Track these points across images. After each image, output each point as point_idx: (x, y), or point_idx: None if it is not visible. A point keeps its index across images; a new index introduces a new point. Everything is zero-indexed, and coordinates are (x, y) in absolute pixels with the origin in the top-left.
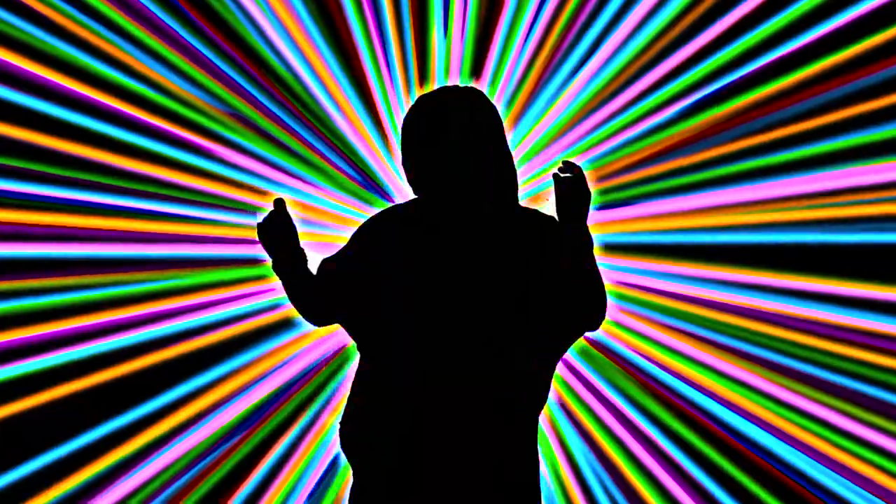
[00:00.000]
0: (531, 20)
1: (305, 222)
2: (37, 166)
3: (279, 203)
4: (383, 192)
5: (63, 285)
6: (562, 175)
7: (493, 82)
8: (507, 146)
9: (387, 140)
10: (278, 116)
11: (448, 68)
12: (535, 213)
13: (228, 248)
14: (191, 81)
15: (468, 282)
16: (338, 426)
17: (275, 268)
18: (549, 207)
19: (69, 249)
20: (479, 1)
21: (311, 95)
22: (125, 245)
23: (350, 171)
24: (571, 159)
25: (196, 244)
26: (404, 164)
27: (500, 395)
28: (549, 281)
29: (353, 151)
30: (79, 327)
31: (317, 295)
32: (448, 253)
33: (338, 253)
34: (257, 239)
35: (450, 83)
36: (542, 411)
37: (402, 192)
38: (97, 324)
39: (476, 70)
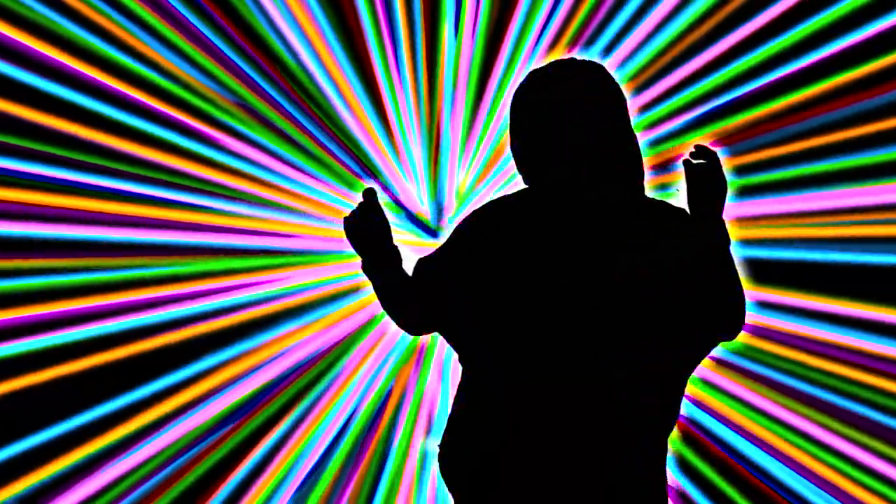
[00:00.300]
0: (545, 19)
1: (309, 216)
2: (43, 146)
3: (370, 193)
4: (383, 186)
5: (52, 267)
6: (693, 161)
7: (503, 79)
8: (632, 127)
9: (391, 136)
10: (283, 107)
11: (457, 66)
12: (665, 206)
13: (226, 237)
14: (201, 70)
15: (591, 286)
16: (436, 450)
17: (365, 269)
18: (679, 199)
19: (64, 231)
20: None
21: (317, 87)
22: (124, 229)
23: (353, 165)
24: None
25: (195, 232)
26: (514, 147)
27: (628, 417)
28: (681, 285)
29: (357, 146)
30: (70, 310)
31: (415, 301)
32: (566, 252)
33: (438, 251)
34: (344, 236)
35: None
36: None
37: (404, 187)
38: (86, 308)
39: (486, 68)
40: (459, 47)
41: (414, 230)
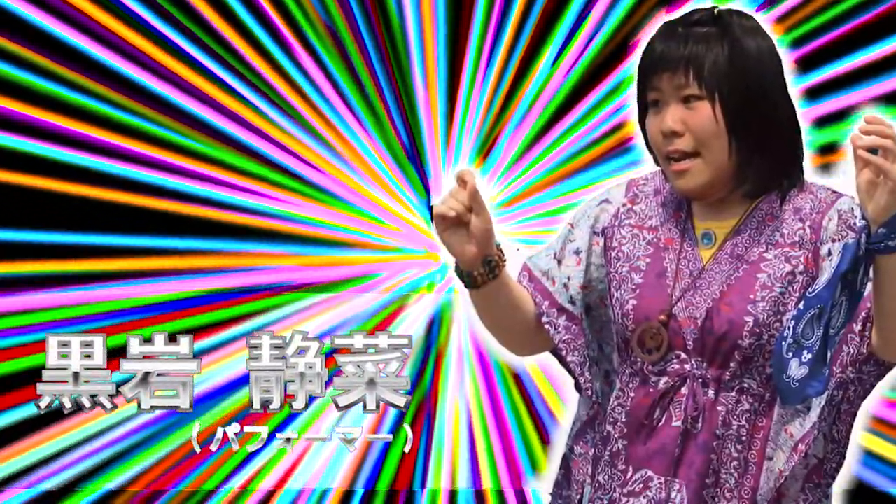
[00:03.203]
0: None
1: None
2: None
3: (467, 177)
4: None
5: None
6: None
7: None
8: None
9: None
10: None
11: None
12: (833, 194)
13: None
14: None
15: (745, 290)
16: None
17: (459, 273)
18: (845, 184)
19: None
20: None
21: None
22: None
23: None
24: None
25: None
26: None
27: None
28: (849, 296)
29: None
30: None
31: (527, 311)
32: (717, 250)
33: (554, 248)
34: (435, 231)
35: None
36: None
37: (438, 174)
38: None
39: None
40: (479, 51)
41: (427, 219)
